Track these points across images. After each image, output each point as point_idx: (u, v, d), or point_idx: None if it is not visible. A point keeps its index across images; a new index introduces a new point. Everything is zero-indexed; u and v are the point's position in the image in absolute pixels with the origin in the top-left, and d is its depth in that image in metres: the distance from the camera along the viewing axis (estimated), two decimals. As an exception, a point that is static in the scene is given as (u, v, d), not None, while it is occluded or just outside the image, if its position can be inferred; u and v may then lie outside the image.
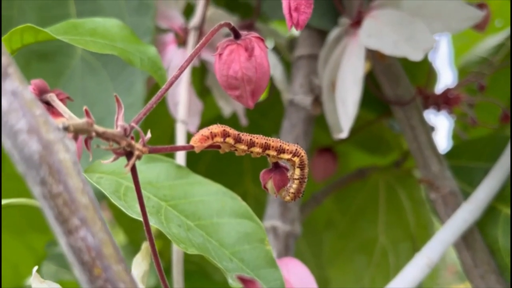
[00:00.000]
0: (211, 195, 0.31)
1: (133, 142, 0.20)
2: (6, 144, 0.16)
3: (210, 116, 0.51)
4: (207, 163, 0.61)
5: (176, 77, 0.24)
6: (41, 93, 0.30)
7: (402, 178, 0.56)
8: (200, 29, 0.44)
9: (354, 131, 0.52)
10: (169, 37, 0.46)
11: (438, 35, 0.48)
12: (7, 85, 0.16)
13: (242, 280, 0.17)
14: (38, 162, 0.16)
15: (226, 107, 0.50)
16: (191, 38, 0.44)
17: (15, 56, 0.49)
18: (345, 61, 0.43)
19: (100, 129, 0.19)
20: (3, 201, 0.33)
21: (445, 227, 0.40)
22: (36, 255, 0.51)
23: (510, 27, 0.57)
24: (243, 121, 0.49)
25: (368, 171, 0.54)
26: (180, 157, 0.39)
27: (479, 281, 0.41)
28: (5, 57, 0.17)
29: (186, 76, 0.42)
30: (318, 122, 0.49)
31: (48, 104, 0.30)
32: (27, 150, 0.16)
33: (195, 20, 0.45)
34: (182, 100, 0.41)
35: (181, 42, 0.46)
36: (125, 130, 0.20)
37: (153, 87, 0.47)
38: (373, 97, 0.48)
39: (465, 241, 0.42)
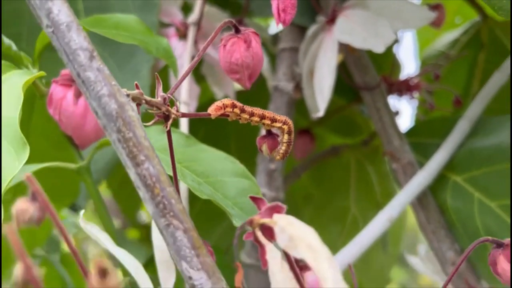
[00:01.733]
0: (215, 159, 0.39)
1: (170, 108, 0.27)
2: (92, 104, 0.24)
3: (205, 100, 0.58)
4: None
5: (194, 64, 0.31)
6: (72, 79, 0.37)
7: (370, 155, 0.64)
8: (198, 24, 0.52)
9: (329, 115, 0.60)
10: (171, 31, 0.54)
11: (401, 32, 0.57)
12: (93, 64, 0.24)
13: (253, 198, 0.24)
14: (115, 117, 0.23)
15: (219, 92, 0.58)
16: (191, 32, 0.51)
17: (29, 46, 0.55)
18: (321, 53, 0.50)
19: (147, 98, 0.27)
20: (39, 165, 0.39)
21: (404, 190, 0.48)
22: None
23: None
24: (234, 104, 0.56)
25: (340, 148, 0.63)
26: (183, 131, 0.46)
27: (431, 236, 0.50)
28: (90, 44, 0.24)
29: (187, 64, 0.49)
30: (297, 109, 0.57)
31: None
32: (108, 108, 0.23)
33: (194, 16, 0.52)
34: (184, 84, 0.49)
35: (181, 35, 0.53)
36: (164, 99, 0.27)
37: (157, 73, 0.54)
38: (345, 84, 0.56)
39: (420, 203, 0.50)
